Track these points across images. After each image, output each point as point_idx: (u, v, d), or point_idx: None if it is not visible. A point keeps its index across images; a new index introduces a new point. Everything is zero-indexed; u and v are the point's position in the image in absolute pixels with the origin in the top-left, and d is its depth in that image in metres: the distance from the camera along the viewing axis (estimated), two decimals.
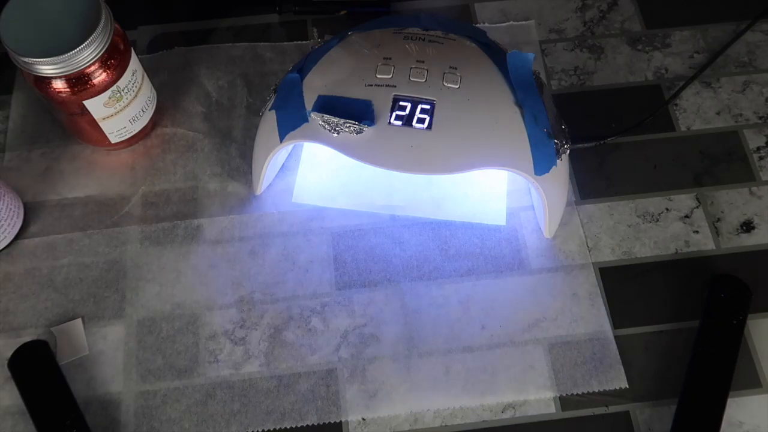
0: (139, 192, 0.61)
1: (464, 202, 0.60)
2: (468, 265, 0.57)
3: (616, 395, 0.53)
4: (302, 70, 0.54)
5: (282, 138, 0.53)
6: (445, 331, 0.55)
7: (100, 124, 0.58)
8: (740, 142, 0.62)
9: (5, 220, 0.57)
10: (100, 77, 0.55)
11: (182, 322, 0.55)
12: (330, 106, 0.51)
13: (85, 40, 0.52)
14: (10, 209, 0.57)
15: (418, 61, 0.52)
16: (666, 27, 0.68)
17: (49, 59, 0.52)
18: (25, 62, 0.52)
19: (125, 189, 0.61)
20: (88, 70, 0.54)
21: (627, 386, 0.53)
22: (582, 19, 0.69)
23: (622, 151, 0.62)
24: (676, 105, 0.64)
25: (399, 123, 0.50)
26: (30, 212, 0.60)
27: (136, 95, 0.59)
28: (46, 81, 0.54)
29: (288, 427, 0.52)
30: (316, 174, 0.61)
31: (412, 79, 0.51)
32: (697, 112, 0.64)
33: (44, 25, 0.53)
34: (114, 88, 0.56)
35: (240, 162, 0.62)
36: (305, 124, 0.52)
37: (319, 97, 0.52)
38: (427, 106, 0.50)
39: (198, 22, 0.70)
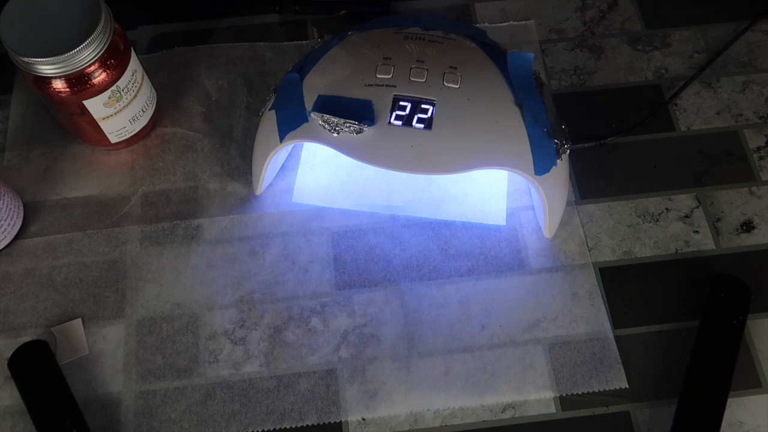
0: (139, 192, 0.61)
1: (464, 202, 0.60)
2: (468, 265, 0.57)
3: (616, 395, 0.53)
4: (302, 70, 0.54)
5: (282, 138, 0.53)
6: (445, 331, 0.55)
7: (100, 124, 0.58)
8: (740, 142, 0.62)
9: (5, 220, 0.57)
10: (99, 77, 0.55)
11: (182, 322, 0.55)
12: (330, 106, 0.51)
13: (85, 40, 0.52)
14: (10, 209, 0.57)
15: (418, 61, 0.52)
16: (666, 27, 0.68)
17: (49, 59, 0.52)
18: (25, 62, 0.52)
19: (125, 189, 0.61)
20: (87, 70, 0.54)
21: (627, 386, 0.53)
22: (582, 19, 0.69)
23: (622, 151, 0.62)
24: (676, 105, 0.64)
25: (399, 123, 0.50)
26: (30, 212, 0.60)
27: (135, 95, 0.59)
28: (46, 81, 0.54)
29: (288, 427, 0.52)
30: (316, 174, 0.61)
31: (412, 79, 0.51)
32: (697, 112, 0.64)
33: (44, 25, 0.53)
34: (114, 88, 0.56)
35: (240, 162, 0.62)
36: (305, 124, 0.52)
37: (319, 97, 0.52)
38: (427, 106, 0.50)
39: (198, 22, 0.70)
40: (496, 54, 0.53)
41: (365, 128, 0.50)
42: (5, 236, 0.57)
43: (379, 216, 0.59)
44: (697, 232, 0.59)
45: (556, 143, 0.52)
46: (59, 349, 0.54)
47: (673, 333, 0.55)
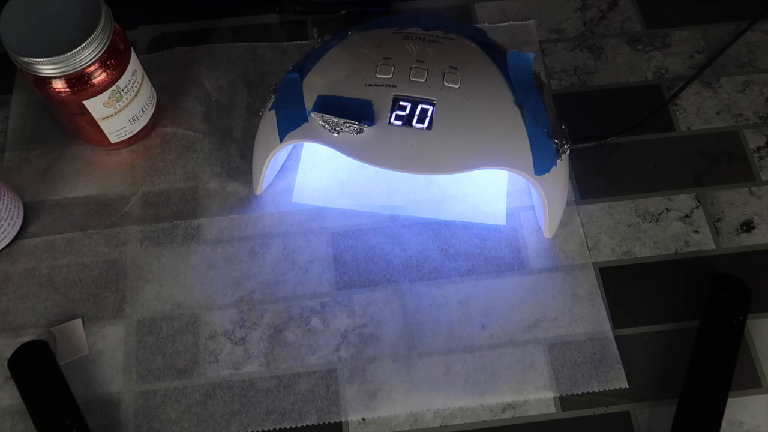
0: (139, 192, 0.61)
1: (464, 202, 0.60)
2: (468, 265, 0.57)
3: (616, 395, 0.53)
4: (302, 70, 0.54)
5: (282, 138, 0.53)
6: (445, 331, 0.55)
7: (100, 124, 0.58)
8: (740, 142, 0.62)
9: (5, 220, 0.57)
10: (99, 77, 0.55)
11: (182, 322, 0.55)
12: (330, 106, 0.51)
13: (85, 40, 0.52)
14: (10, 209, 0.57)
15: (418, 60, 0.52)
16: (666, 27, 0.68)
17: (49, 59, 0.52)
18: (25, 62, 0.52)
19: (125, 189, 0.61)
20: (87, 70, 0.54)
21: (627, 386, 0.53)
22: (582, 19, 0.69)
23: (622, 151, 0.62)
24: (676, 105, 0.64)
25: (399, 123, 0.50)
26: (30, 212, 0.60)
27: (135, 95, 0.59)
28: (46, 81, 0.54)
29: (288, 427, 0.52)
30: (316, 174, 0.61)
31: (412, 79, 0.51)
32: (697, 112, 0.64)
33: (44, 25, 0.53)
34: (114, 88, 0.56)
35: (240, 162, 0.62)
36: (305, 124, 0.52)
37: (319, 97, 0.52)
38: (427, 106, 0.50)
39: (198, 22, 0.70)
40: (496, 54, 0.53)
41: (365, 128, 0.50)
42: (5, 236, 0.57)
43: (379, 216, 0.59)
44: (697, 232, 0.59)
45: (556, 143, 0.52)
46: (59, 349, 0.54)
47: (673, 333, 0.55)
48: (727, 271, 0.56)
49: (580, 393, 0.53)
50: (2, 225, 0.56)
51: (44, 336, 0.55)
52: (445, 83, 0.51)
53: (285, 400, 0.53)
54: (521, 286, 0.56)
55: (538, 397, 0.52)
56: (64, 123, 0.60)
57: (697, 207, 0.60)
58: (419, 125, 0.50)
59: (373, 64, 0.52)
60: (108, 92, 0.56)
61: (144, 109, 0.61)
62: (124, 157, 0.62)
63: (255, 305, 0.56)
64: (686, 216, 0.59)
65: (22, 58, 0.52)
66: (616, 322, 0.55)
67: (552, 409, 0.52)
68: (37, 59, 0.52)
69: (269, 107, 0.55)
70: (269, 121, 0.55)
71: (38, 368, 0.53)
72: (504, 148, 0.51)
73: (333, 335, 0.55)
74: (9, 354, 0.54)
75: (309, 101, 0.52)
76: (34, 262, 0.58)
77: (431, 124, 0.50)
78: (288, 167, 0.61)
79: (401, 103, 0.51)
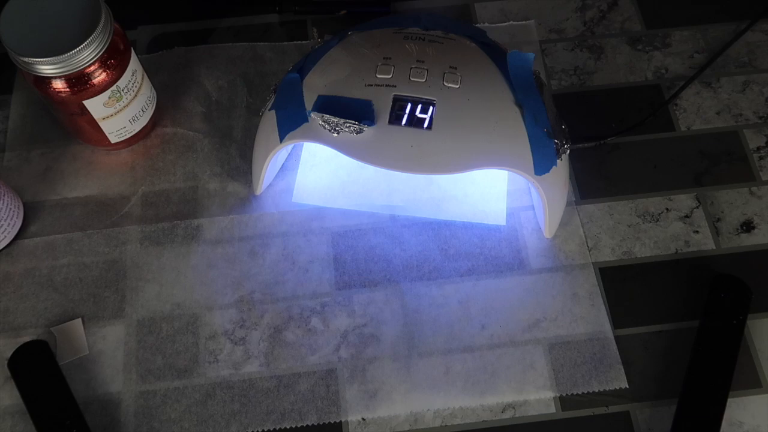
0: (139, 192, 0.61)
1: (464, 202, 0.60)
2: (468, 265, 0.57)
3: (616, 395, 0.53)
4: (302, 70, 0.54)
5: (282, 138, 0.53)
6: (445, 331, 0.55)
7: (100, 124, 0.58)
8: (740, 142, 0.62)
9: (5, 220, 0.57)
10: (99, 77, 0.55)
11: (182, 322, 0.55)
12: (330, 106, 0.51)
13: (85, 40, 0.52)
14: (10, 209, 0.57)
15: (418, 61, 0.52)
16: (666, 27, 0.68)
17: (49, 59, 0.52)
18: (25, 62, 0.52)
19: (125, 189, 0.61)
20: (87, 70, 0.54)
21: (627, 386, 0.53)
22: (582, 19, 0.69)
23: (622, 151, 0.62)
24: (676, 105, 0.64)
25: (399, 123, 0.50)
26: (30, 212, 0.60)
27: (135, 95, 0.59)
28: (46, 81, 0.54)
29: (288, 427, 0.52)
30: (316, 174, 0.61)
31: (412, 79, 0.51)
32: (697, 112, 0.64)
33: (44, 25, 0.53)
34: (114, 88, 0.56)
35: (240, 162, 0.62)
36: (305, 124, 0.52)
37: (319, 97, 0.52)
38: (428, 106, 0.50)
39: (198, 22, 0.70)
40: (496, 54, 0.53)
41: (365, 128, 0.50)
42: (5, 236, 0.57)
43: (379, 216, 0.59)
44: (697, 232, 0.59)
45: (556, 143, 0.52)
46: (59, 349, 0.54)
47: (673, 333, 0.55)
48: (727, 271, 0.56)
49: (580, 393, 0.53)
50: (2, 225, 0.56)
51: (44, 336, 0.55)
52: (445, 83, 0.51)
53: (285, 400, 0.53)
54: (521, 286, 0.56)
55: (538, 397, 0.52)
56: (64, 123, 0.60)
57: (697, 207, 0.60)
58: (419, 125, 0.50)
59: (373, 64, 0.52)
60: (108, 92, 0.56)
61: (144, 109, 0.61)
62: (124, 157, 0.62)
63: (255, 305, 0.56)
64: (686, 216, 0.59)
65: (22, 58, 0.52)
66: (616, 322, 0.55)
67: (552, 409, 0.52)
68: (37, 59, 0.52)
69: (269, 107, 0.55)
70: (269, 121, 0.55)
71: (38, 368, 0.53)
72: (504, 148, 0.51)
73: (333, 335, 0.55)
74: (9, 354, 0.54)
75: (309, 101, 0.52)
76: (34, 262, 0.58)
77: (431, 124, 0.50)
78: (288, 167, 0.61)
79: (401, 103, 0.51)
